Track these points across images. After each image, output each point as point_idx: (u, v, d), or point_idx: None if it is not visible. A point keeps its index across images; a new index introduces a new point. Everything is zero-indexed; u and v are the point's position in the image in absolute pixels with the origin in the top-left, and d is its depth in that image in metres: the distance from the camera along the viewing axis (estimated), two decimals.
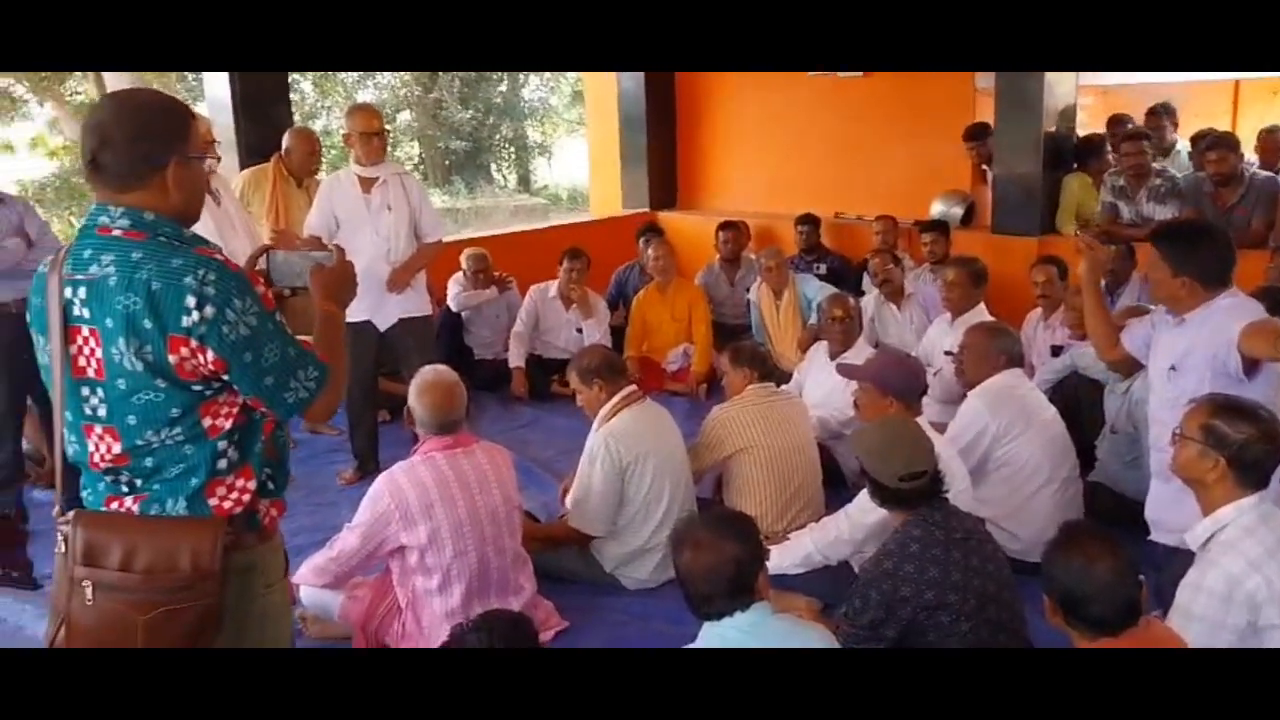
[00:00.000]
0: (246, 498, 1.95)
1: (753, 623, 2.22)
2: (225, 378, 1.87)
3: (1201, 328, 2.97)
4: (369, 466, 4.82)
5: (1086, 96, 7.30)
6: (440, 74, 17.75)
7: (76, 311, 1.85)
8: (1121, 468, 4.15)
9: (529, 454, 5.15)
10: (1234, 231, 4.78)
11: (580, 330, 6.34)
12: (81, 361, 1.87)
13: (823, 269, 6.92)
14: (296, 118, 7.43)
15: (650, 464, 3.74)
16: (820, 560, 3.53)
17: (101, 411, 1.88)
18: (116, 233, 1.85)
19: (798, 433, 4.05)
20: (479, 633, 2.03)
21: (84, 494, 1.99)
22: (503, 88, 19.60)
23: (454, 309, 6.48)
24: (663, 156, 8.62)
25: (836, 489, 4.30)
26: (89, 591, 1.83)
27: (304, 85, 17.35)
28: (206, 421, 1.89)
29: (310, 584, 3.37)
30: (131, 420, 1.87)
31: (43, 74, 14.22)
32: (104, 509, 1.94)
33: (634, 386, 3.95)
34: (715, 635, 2.24)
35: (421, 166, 18.72)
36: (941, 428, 3.75)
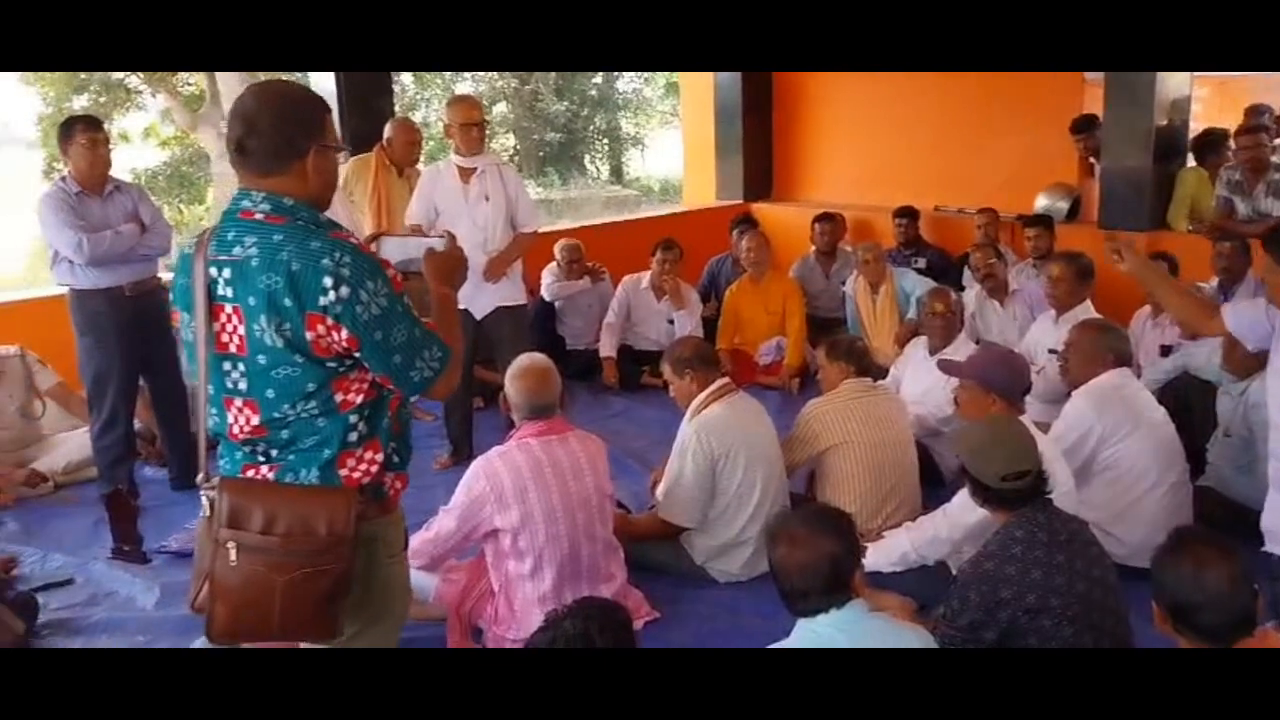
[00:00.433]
0: (374, 469, 2.05)
1: (848, 621, 2.20)
2: (356, 355, 1.95)
3: None
4: (464, 452, 4.89)
5: (1202, 88, 7.04)
6: None
7: (221, 290, 1.95)
8: (1234, 473, 4.00)
9: (620, 444, 5.16)
10: None
11: (672, 321, 6.33)
12: (224, 338, 1.97)
13: (921, 263, 6.80)
14: (397, 109, 7.56)
15: (742, 457, 3.72)
16: (916, 559, 3.48)
17: (242, 385, 1.98)
18: (259, 216, 1.95)
19: (895, 429, 3.99)
20: (575, 619, 2.03)
21: (220, 463, 2.09)
22: (597, 80, 19.73)
23: (547, 299, 6.53)
24: (758, 147, 8.56)
25: (933, 487, 4.24)
26: (233, 553, 1.93)
27: (404, 77, 17.67)
28: (339, 396, 1.98)
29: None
30: (270, 394, 1.96)
31: None
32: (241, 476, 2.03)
33: (727, 379, 3.93)
34: (810, 632, 2.22)
35: (516, 158, 18.91)
36: (1045, 428, 3.64)
